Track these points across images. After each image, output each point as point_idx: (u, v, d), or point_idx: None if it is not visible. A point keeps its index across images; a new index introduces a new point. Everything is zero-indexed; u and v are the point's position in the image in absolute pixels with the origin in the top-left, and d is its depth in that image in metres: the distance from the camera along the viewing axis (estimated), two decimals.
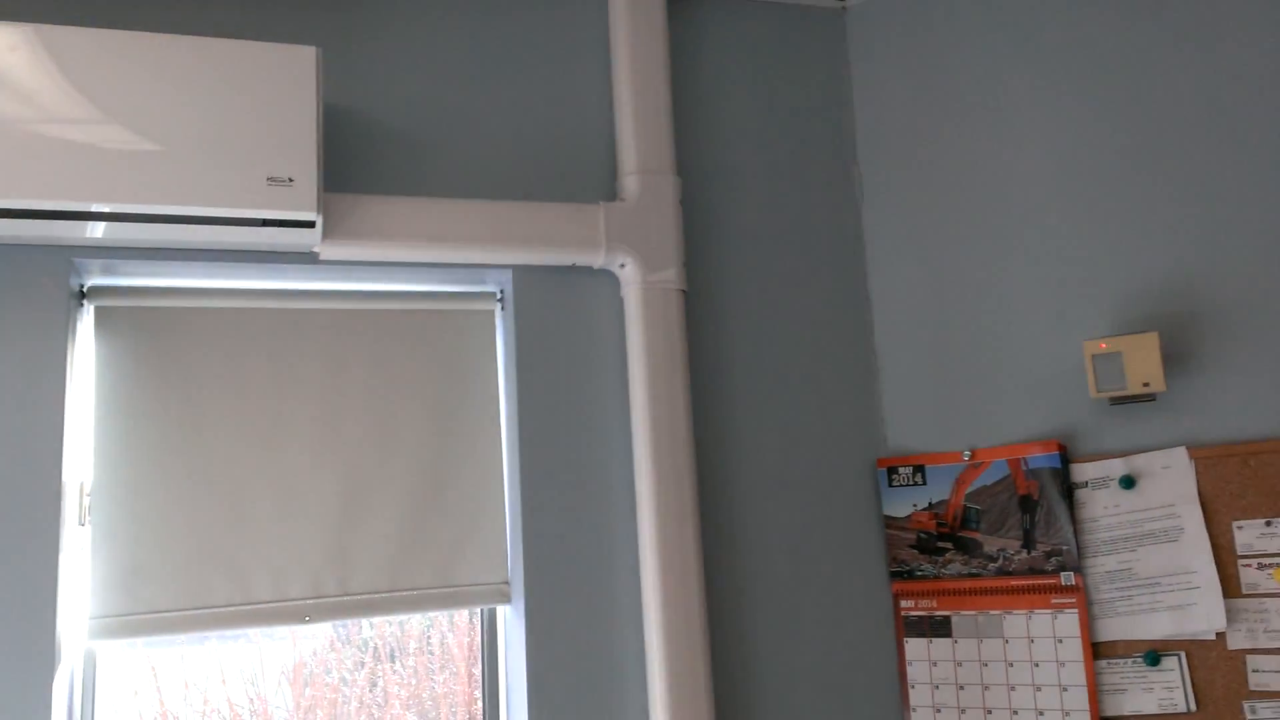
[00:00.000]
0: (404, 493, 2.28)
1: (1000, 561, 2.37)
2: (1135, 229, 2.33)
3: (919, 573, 2.48)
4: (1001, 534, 2.37)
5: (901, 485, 2.52)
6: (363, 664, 2.36)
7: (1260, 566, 2.12)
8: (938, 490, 2.47)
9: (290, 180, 1.96)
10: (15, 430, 1.97)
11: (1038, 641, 2.30)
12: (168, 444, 2.14)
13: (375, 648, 2.38)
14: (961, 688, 2.38)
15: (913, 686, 2.45)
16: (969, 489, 2.43)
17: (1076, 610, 2.26)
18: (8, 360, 1.99)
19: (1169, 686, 2.17)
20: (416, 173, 2.32)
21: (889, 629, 2.51)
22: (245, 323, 2.23)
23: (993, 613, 2.37)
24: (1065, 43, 2.45)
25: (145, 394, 2.14)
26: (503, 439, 2.39)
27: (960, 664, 2.39)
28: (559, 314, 2.39)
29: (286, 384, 2.24)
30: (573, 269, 2.40)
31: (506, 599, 2.32)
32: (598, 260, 2.35)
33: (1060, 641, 2.27)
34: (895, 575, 2.51)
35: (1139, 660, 2.20)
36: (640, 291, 2.34)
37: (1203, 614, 2.14)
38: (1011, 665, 2.33)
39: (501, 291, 2.44)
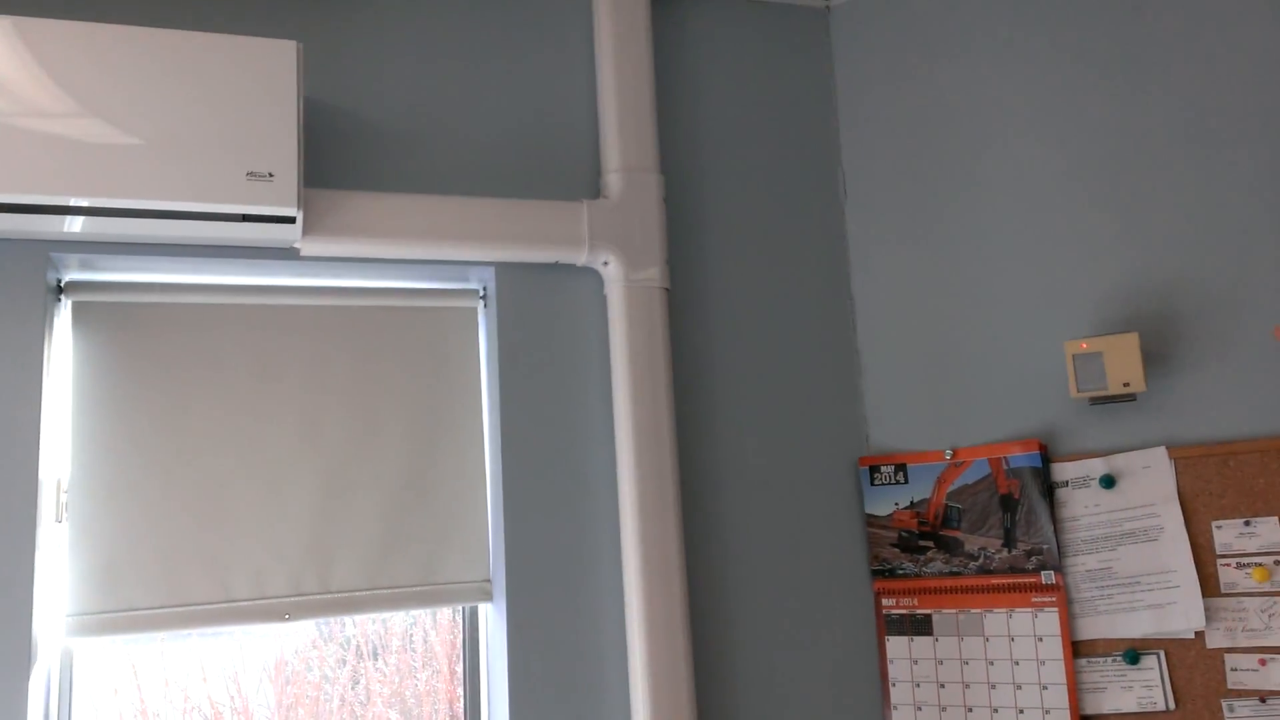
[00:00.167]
0: (385, 490, 2.27)
1: (981, 560, 2.38)
2: (1116, 230, 2.34)
3: (900, 571, 2.48)
4: (982, 533, 2.38)
5: (883, 484, 2.53)
6: (345, 662, 2.35)
7: (1239, 566, 2.13)
8: (919, 489, 2.48)
9: (270, 175, 1.94)
10: None
11: (1018, 640, 2.31)
12: (146, 441, 2.12)
13: (358, 645, 2.37)
14: (942, 686, 2.39)
15: (894, 684, 2.46)
16: (950, 488, 2.44)
17: (1057, 609, 2.27)
18: None
19: (1148, 685, 2.18)
20: (399, 169, 2.31)
21: (870, 627, 2.52)
22: (225, 319, 2.22)
23: (973, 611, 2.37)
24: (1048, 45, 2.46)
25: (123, 390, 2.12)
26: (485, 437, 2.38)
27: (941, 662, 2.40)
28: (542, 311, 2.38)
29: (267, 381, 2.22)
30: (556, 266, 2.40)
31: (488, 597, 2.31)
32: (580, 258, 2.34)
33: (1040, 640, 2.28)
34: (877, 574, 2.52)
35: (1119, 659, 2.21)
36: (623, 289, 2.33)
37: (1182, 613, 2.16)
38: (992, 664, 2.33)
39: (484, 288, 2.43)
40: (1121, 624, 2.21)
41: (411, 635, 2.40)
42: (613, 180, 2.38)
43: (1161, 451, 2.22)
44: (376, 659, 2.37)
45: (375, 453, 2.27)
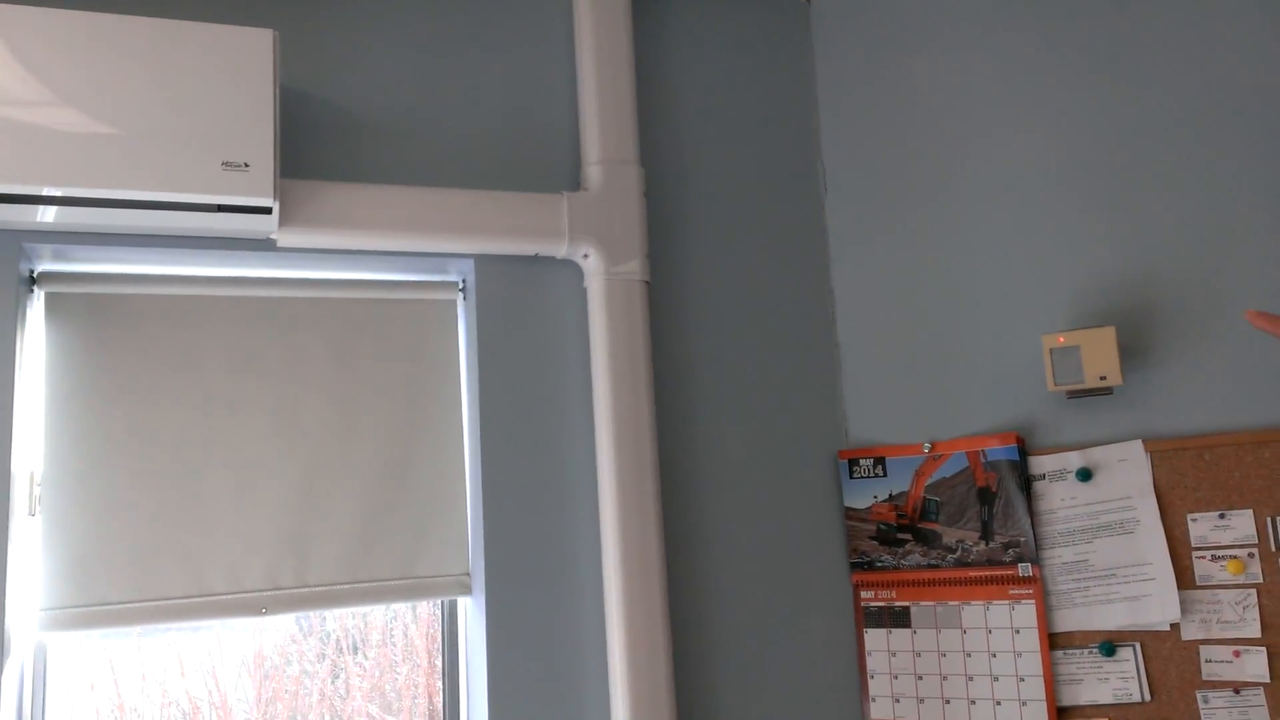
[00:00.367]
0: (363, 484, 2.26)
1: (959, 553, 2.39)
2: (1094, 224, 2.35)
3: (879, 564, 2.49)
4: (960, 525, 2.39)
5: (862, 477, 2.54)
6: (324, 656, 2.34)
7: (1214, 558, 2.15)
8: (898, 482, 2.48)
9: (246, 165, 1.93)
10: None
11: (995, 632, 2.32)
12: (120, 433, 2.10)
13: (337, 639, 2.36)
14: (920, 678, 2.40)
15: (872, 676, 2.46)
16: (929, 481, 2.44)
17: (1034, 601, 2.28)
18: None
19: (1124, 677, 2.19)
20: (377, 159, 2.30)
21: (849, 619, 2.52)
22: (201, 310, 2.20)
23: (951, 603, 2.38)
24: (1027, 40, 2.46)
25: (98, 382, 2.10)
26: (464, 429, 2.37)
27: (919, 654, 2.41)
28: (522, 304, 2.37)
29: (243, 373, 2.21)
30: (535, 259, 2.39)
31: (467, 590, 2.30)
32: (560, 250, 2.33)
33: (1017, 632, 2.29)
34: (855, 566, 2.52)
35: (1095, 651, 2.22)
36: (603, 282, 2.33)
37: (1157, 605, 2.17)
38: (969, 656, 2.34)
39: (463, 281, 2.42)
40: (1098, 616, 2.23)
41: (391, 629, 2.39)
42: (593, 172, 2.38)
43: (1138, 445, 2.23)
44: (356, 653, 2.36)
45: (353, 446, 2.26)
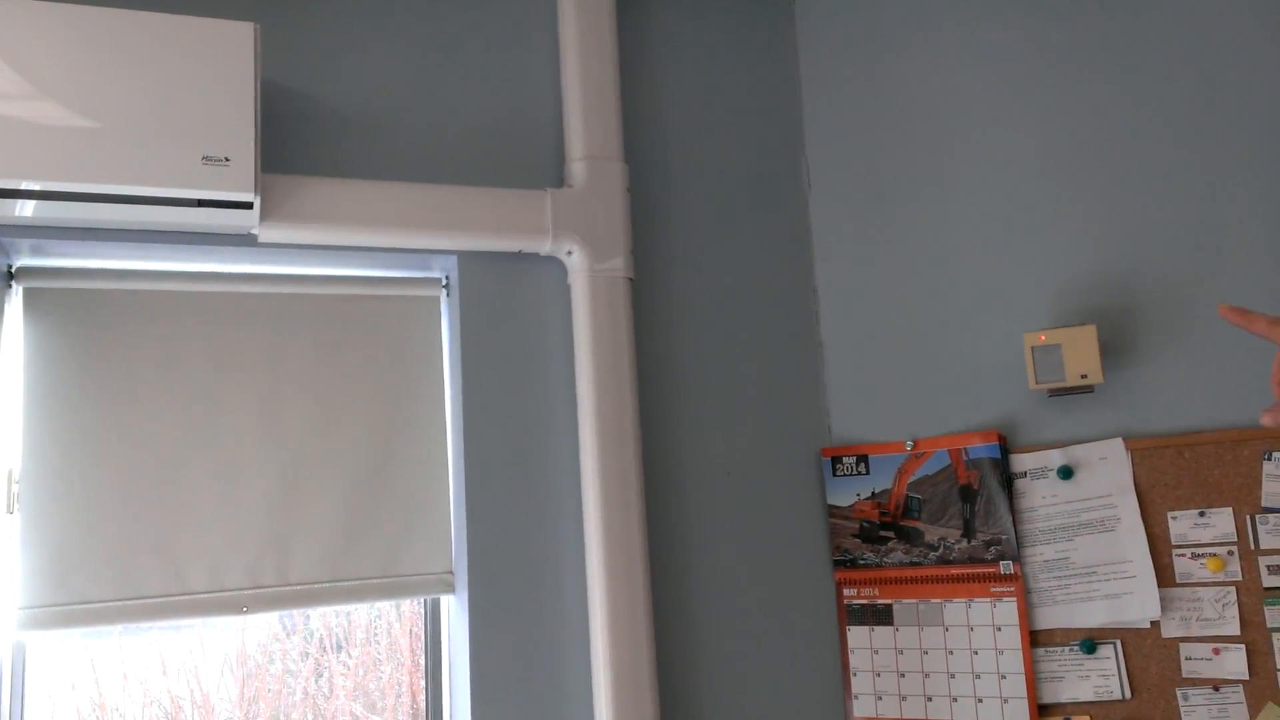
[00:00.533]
0: (346, 481, 2.25)
1: (941, 550, 2.39)
2: (1075, 223, 2.35)
3: (862, 561, 2.49)
4: (942, 523, 2.40)
5: (845, 475, 2.54)
6: (308, 654, 2.33)
7: (1194, 556, 2.16)
8: (881, 480, 2.49)
9: (226, 160, 1.91)
10: None
11: (977, 630, 2.33)
12: (100, 430, 2.08)
13: (321, 638, 2.35)
14: (903, 675, 2.40)
15: (855, 674, 2.47)
16: (911, 479, 2.45)
17: (1015, 599, 2.29)
18: None
19: (1105, 674, 2.20)
20: (360, 154, 2.28)
21: (832, 617, 2.53)
22: (181, 306, 2.18)
23: (933, 601, 2.39)
24: (1010, 39, 2.47)
25: (77, 378, 2.09)
26: (447, 426, 2.36)
27: (901, 652, 2.41)
28: (505, 300, 2.36)
29: (224, 370, 2.19)
30: (519, 255, 2.38)
31: (450, 588, 2.30)
32: (544, 247, 2.33)
33: (999, 630, 2.30)
34: (838, 564, 2.53)
35: (1076, 648, 2.23)
36: (587, 279, 2.32)
37: (1138, 603, 2.18)
38: (951, 653, 2.35)
39: (447, 277, 2.41)
40: (1079, 614, 2.24)
41: (375, 628, 2.38)
42: (577, 169, 2.37)
43: (1118, 443, 2.24)
44: (340, 651, 2.35)
45: (335, 443, 2.25)
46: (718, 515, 2.48)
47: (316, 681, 2.32)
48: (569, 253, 2.34)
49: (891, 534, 2.46)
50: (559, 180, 2.45)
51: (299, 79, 2.26)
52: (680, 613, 2.40)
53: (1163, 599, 2.16)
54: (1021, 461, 2.33)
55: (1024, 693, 2.25)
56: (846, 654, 2.49)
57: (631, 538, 2.25)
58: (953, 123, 2.53)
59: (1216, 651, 2.12)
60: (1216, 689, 2.11)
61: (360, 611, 2.37)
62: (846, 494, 2.53)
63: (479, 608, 2.22)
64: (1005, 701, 2.27)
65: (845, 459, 2.55)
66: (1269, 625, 2.08)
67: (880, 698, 2.42)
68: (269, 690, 2.28)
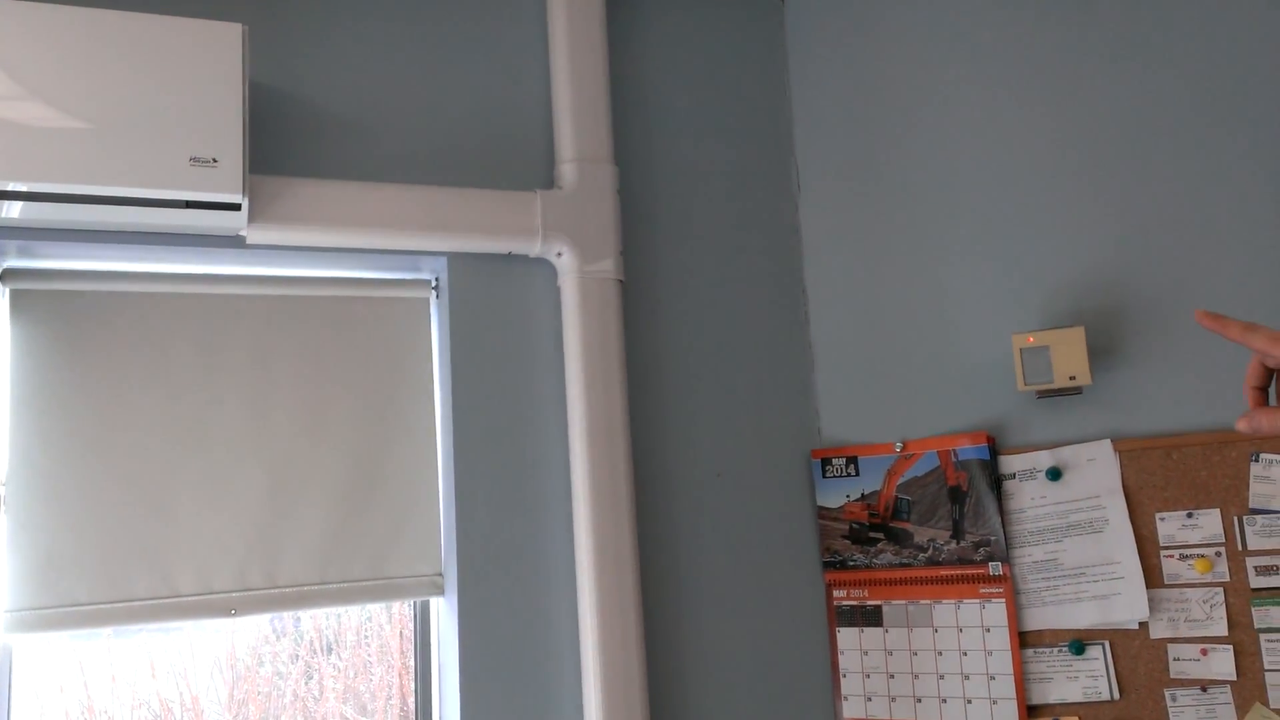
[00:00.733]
0: (335, 483, 2.24)
1: (930, 551, 2.40)
2: (1064, 225, 2.36)
3: (851, 563, 2.50)
4: (931, 524, 2.40)
5: (835, 476, 2.54)
6: (297, 657, 2.32)
7: (1182, 557, 2.16)
8: (870, 481, 2.49)
9: (214, 161, 1.91)
10: None
11: (966, 631, 2.33)
12: (87, 432, 2.08)
13: (311, 640, 2.34)
14: (892, 676, 2.41)
15: (844, 675, 2.47)
16: (900, 480, 2.45)
17: (1004, 600, 2.29)
18: None
19: (1093, 675, 2.21)
20: (349, 156, 2.28)
21: (821, 618, 2.53)
22: (169, 308, 2.18)
23: (922, 602, 2.39)
24: (1000, 41, 2.48)
25: (64, 380, 2.08)
26: (437, 428, 2.36)
27: (891, 653, 2.41)
28: (495, 302, 2.36)
29: (213, 371, 2.19)
30: (509, 257, 2.38)
31: (439, 591, 2.29)
32: (534, 248, 2.33)
33: (988, 631, 2.30)
34: (828, 565, 2.53)
35: (1064, 649, 2.24)
36: (577, 281, 2.32)
37: (1126, 604, 2.18)
38: (941, 654, 2.35)
39: (436, 279, 2.41)
40: (1067, 615, 2.24)
41: (366, 630, 2.38)
42: (567, 170, 2.37)
43: (1106, 444, 2.25)
44: (330, 654, 2.35)
45: (324, 445, 2.25)
46: (707, 516, 2.48)
47: (306, 684, 2.31)
48: (559, 254, 2.34)
49: (881, 535, 2.46)
50: (549, 182, 2.45)
51: (287, 80, 2.25)
52: (670, 614, 2.40)
53: (1151, 600, 2.17)
54: (1010, 463, 2.34)
55: (1013, 693, 2.26)
56: (836, 655, 2.49)
57: (621, 539, 2.24)
58: (942, 125, 2.53)
59: (1204, 652, 2.12)
60: (1204, 689, 2.11)
61: (351, 614, 2.36)
62: (836, 495, 2.54)
63: (468, 610, 2.22)
64: (994, 702, 2.27)
65: (835, 460, 2.55)
66: (1256, 626, 2.09)
67: (870, 699, 2.43)
68: (259, 693, 2.28)
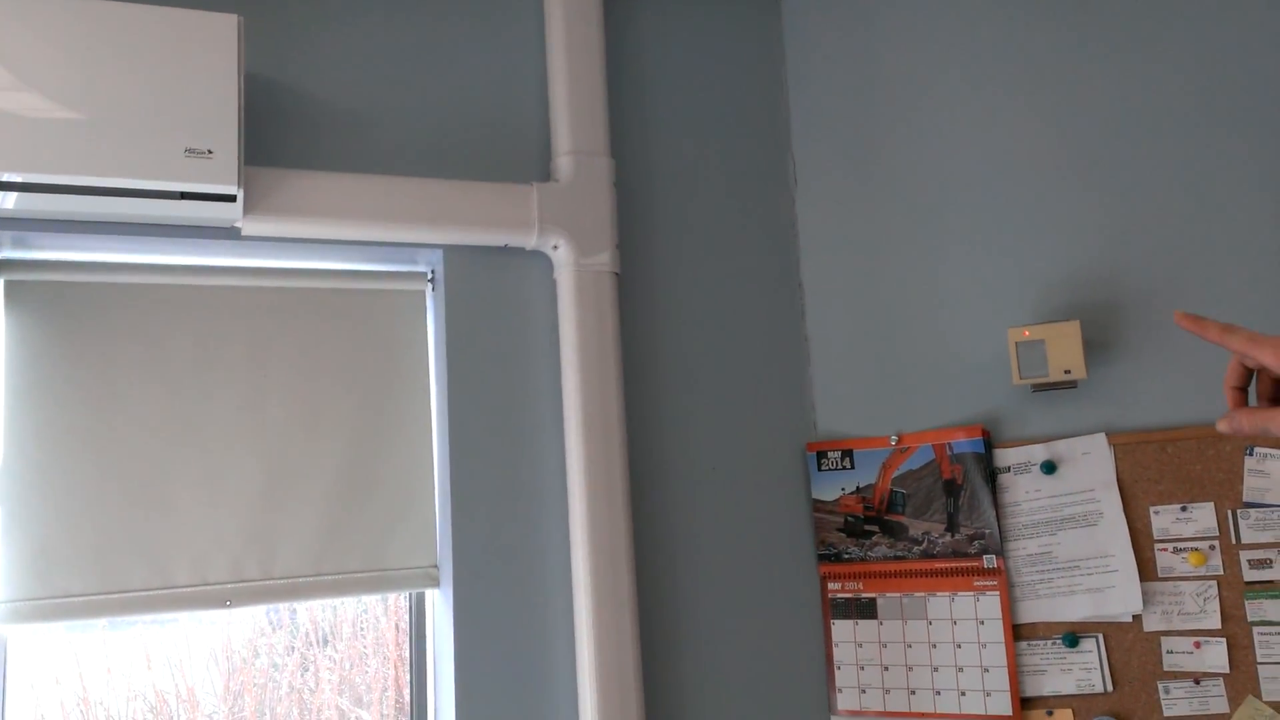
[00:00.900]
0: (330, 475, 2.24)
1: (925, 544, 2.40)
2: (1060, 220, 2.36)
3: (846, 555, 2.50)
4: (926, 517, 2.40)
5: (830, 469, 2.54)
6: (293, 649, 2.32)
7: (1176, 550, 2.17)
8: (865, 474, 2.50)
9: (209, 152, 1.90)
10: None
11: (960, 623, 2.34)
12: (82, 424, 2.07)
13: (307, 632, 2.34)
14: (886, 669, 2.41)
15: (839, 667, 2.47)
16: (895, 473, 2.46)
17: (998, 592, 2.30)
18: None
19: (1087, 667, 2.21)
20: (344, 148, 2.28)
21: (816, 611, 2.53)
22: (165, 299, 2.17)
23: (917, 595, 2.40)
24: (997, 37, 2.48)
25: (59, 372, 2.08)
26: (432, 421, 2.36)
27: (885, 645, 2.42)
28: (491, 295, 2.36)
29: (208, 363, 2.18)
30: (505, 250, 2.38)
31: (435, 583, 2.29)
32: (530, 241, 2.32)
33: (982, 623, 2.31)
34: (823, 558, 2.53)
35: (1058, 642, 2.25)
36: (573, 274, 2.32)
37: (1120, 597, 2.19)
38: (935, 647, 2.36)
39: (432, 271, 2.40)
40: (1061, 607, 2.25)
41: (362, 622, 2.38)
42: (563, 163, 2.37)
43: (1101, 438, 2.25)
44: (326, 645, 2.35)
45: (320, 437, 2.24)
46: (703, 509, 2.48)
47: (302, 675, 2.31)
48: (555, 247, 2.33)
49: (876, 528, 2.47)
50: (545, 175, 2.44)
51: (283, 71, 2.25)
52: (665, 607, 2.40)
53: (1144, 593, 2.18)
54: (1005, 456, 2.34)
55: (1007, 685, 2.26)
56: (831, 647, 2.50)
57: (616, 532, 2.25)
58: (938, 120, 2.53)
59: (1197, 645, 2.13)
60: (1197, 682, 2.12)
61: (346, 605, 2.36)
62: (831, 488, 2.54)
63: (464, 602, 2.22)
64: (988, 694, 2.28)
65: (830, 454, 2.55)
66: (1249, 619, 2.10)
67: (864, 691, 2.43)
68: (254, 684, 2.28)
